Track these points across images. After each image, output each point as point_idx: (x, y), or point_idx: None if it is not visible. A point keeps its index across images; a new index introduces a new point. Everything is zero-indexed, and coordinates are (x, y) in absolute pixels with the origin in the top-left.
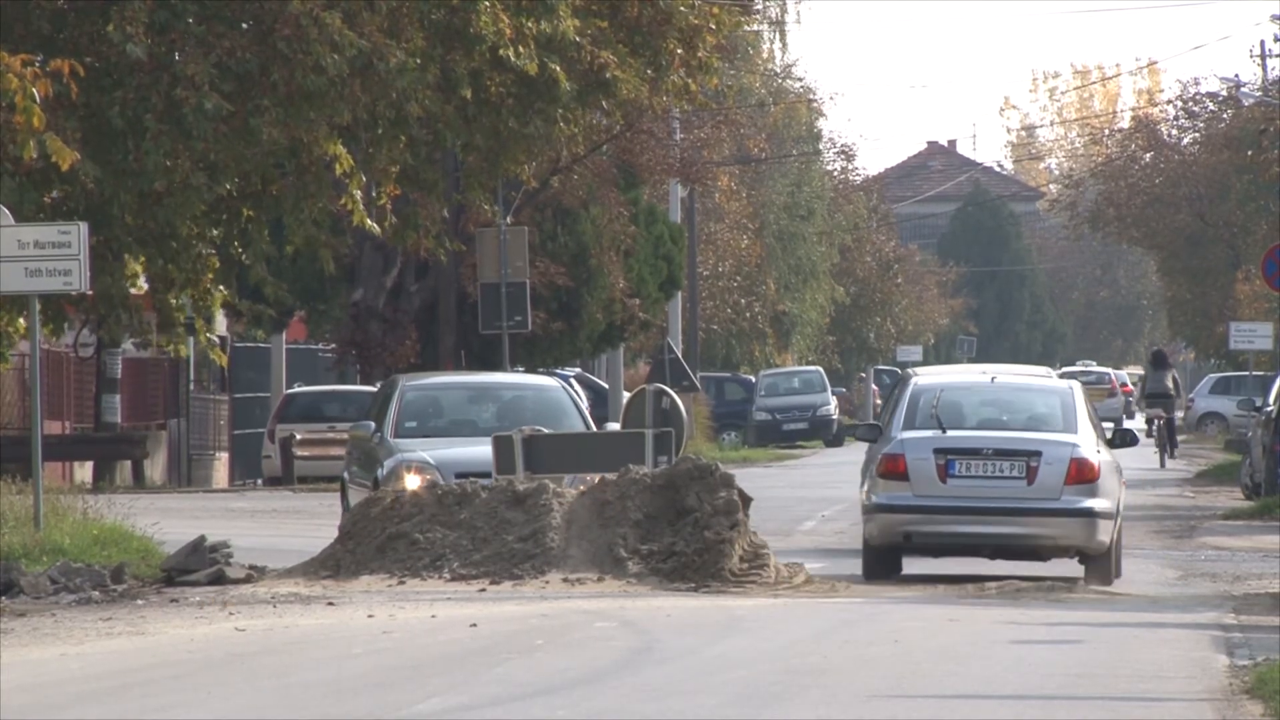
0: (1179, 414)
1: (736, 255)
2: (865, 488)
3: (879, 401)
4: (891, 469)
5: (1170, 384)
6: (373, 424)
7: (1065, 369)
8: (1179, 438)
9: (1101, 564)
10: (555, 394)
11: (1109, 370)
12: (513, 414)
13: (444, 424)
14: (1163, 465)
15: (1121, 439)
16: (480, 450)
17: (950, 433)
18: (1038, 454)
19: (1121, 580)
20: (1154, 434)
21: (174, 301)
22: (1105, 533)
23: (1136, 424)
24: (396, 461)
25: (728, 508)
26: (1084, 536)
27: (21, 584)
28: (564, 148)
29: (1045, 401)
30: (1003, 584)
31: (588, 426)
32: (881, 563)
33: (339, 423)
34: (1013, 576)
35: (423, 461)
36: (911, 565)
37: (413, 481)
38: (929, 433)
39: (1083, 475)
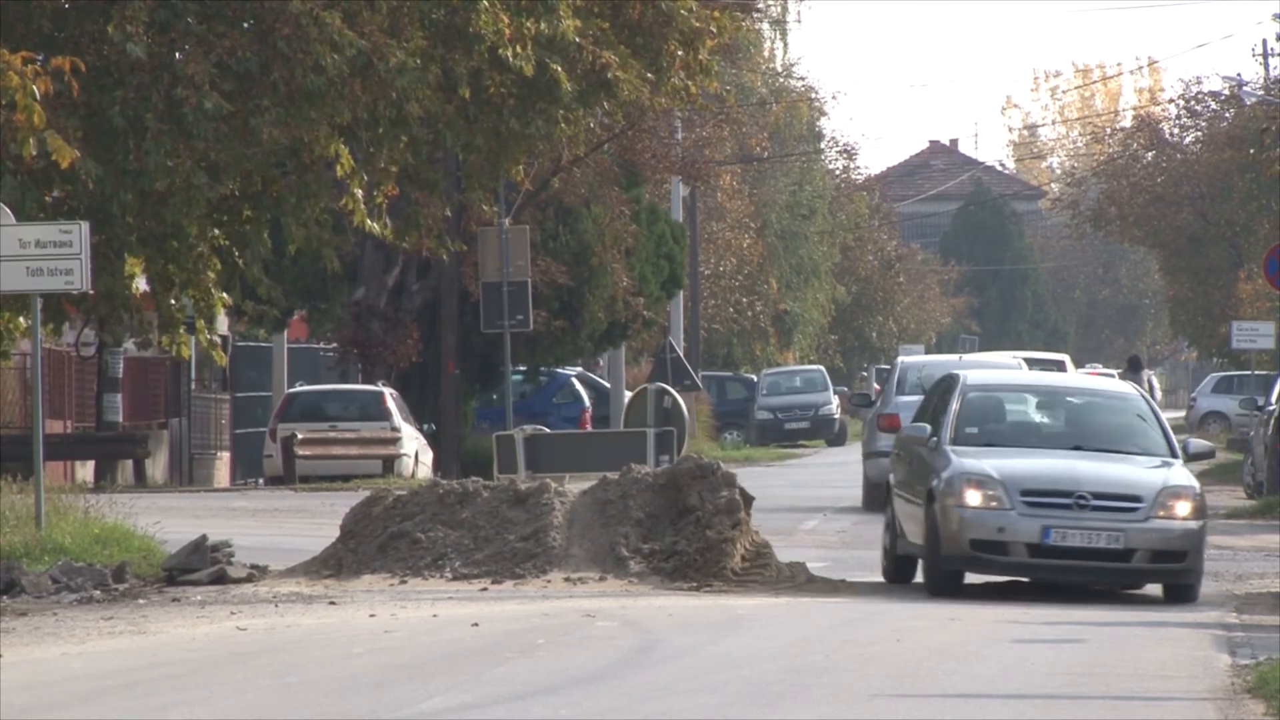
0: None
1: (738, 254)
2: (865, 438)
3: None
4: (889, 424)
5: (1145, 388)
6: (928, 427)
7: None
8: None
9: None
10: (1132, 402)
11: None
12: (1083, 422)
13: (1007, 431)
14: None
15: None
16: (1047, 464)
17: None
18: None
19: None
20: None
21: (173, 302)
22: None
23: None
24: (954, 473)
25: (730, 507)
26: None
27: (23, 583)
28: (565, 147)
29: None
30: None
31: (1167, 440)
32: (878, 500)
33: (340, 422)
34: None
35: (984, 475)
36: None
37: (974, 498)
38: (914, 397)
39: None
